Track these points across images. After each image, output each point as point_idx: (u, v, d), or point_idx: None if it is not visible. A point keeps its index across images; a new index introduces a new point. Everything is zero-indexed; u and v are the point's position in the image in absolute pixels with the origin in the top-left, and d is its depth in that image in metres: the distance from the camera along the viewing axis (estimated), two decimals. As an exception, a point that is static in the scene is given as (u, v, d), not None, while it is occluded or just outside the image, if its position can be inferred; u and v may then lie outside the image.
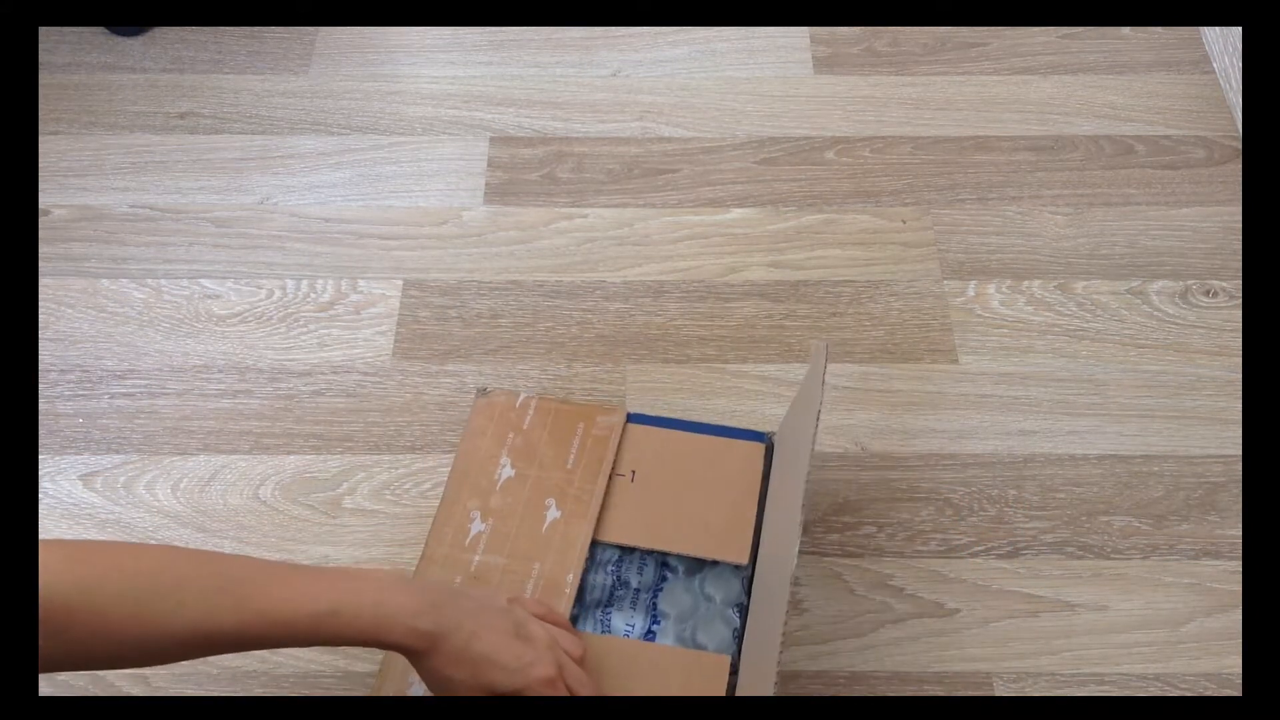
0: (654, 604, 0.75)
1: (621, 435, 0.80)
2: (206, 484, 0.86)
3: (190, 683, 0.77)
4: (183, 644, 0.54)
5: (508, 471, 0.79)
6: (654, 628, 0.74)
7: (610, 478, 0.78)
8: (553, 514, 0.76)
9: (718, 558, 0.75)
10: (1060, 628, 0.79)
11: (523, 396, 0.83)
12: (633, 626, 0.74)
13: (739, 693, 0.69)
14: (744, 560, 0.75)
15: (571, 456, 0.79)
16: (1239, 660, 0.77)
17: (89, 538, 0.83)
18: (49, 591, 0.48)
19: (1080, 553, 0.82)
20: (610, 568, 0.76)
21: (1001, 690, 0.77)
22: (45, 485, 0.86)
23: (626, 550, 0.77)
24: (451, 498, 0.78)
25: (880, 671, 0.77)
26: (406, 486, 0.86)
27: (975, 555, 0.82)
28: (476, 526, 0.76)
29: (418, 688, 0.70)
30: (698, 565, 0.76)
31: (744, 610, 0.74)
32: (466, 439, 0.81)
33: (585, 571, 0.75)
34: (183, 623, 0.52)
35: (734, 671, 0.71)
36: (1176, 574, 0.81)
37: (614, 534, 0.76)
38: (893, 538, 0.83)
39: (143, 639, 0.52)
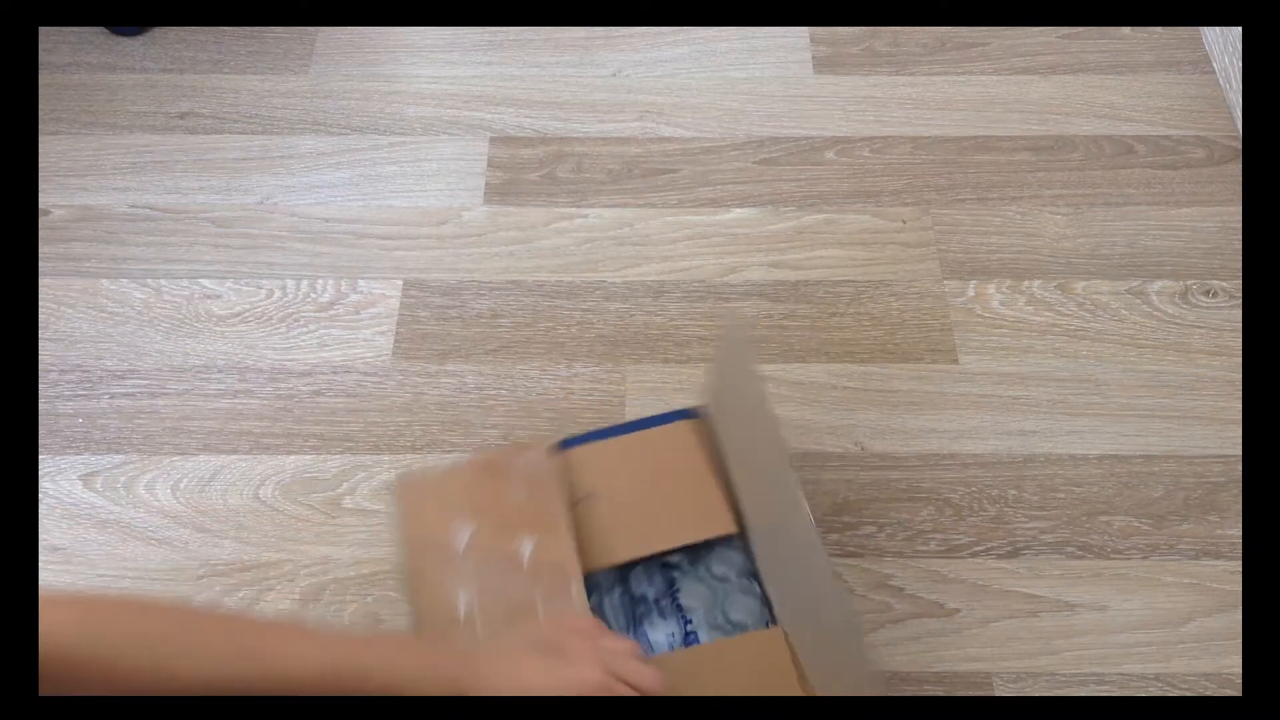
0: (677, 605, 0.75)
1: (564, 462, 0.78)
2: (206, 484, 0.86)
3: (190, 683, 0.77)
4: (196, 692, 0.54)
5: (464, 535, 0.75)
6: (689, 628, 0.74)
7: (572, 508, 0.75)
8: (527, 547, 0.74)
9: (708, 537, 0.75)
10: (1060, 628, 0.79)
11: (444, 465, 0.81)
12: (673, 636, 0.74)
13: (813, 669, 0.68)
14: (733, 529, 0.74)
15: (518, 491, 0.77)
16: (1239, 660, 0.77)
17: (89, 538, 0.83)
18: (61, 647, 0.48)
19: (1080, 553, 0.82)
20: (619, 589, 0.76)
21: (1001, 690, 0.77)
22: (45, 485, 0.86)
23: (624, 568, 0.76)
24: (418, 586, 0.74)
25: (880, 671, 0.77)
26: (406, 486, 0.86)
27: (975, 555, 0.82)
28: (462, 602, 0.73)
29: None
30: (695, 553, 0.76)
31: (757, 575, 0.75)
32: (406, 526, 0.77)
33: (600, 599, 0.74)
34: (200, 680, 0.53)
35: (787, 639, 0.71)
36: (1176, 574, 0.81)
37: (604, 557, 0.74)
38: (893, 538, 0.83)
39: (154, 689, 0.52)
